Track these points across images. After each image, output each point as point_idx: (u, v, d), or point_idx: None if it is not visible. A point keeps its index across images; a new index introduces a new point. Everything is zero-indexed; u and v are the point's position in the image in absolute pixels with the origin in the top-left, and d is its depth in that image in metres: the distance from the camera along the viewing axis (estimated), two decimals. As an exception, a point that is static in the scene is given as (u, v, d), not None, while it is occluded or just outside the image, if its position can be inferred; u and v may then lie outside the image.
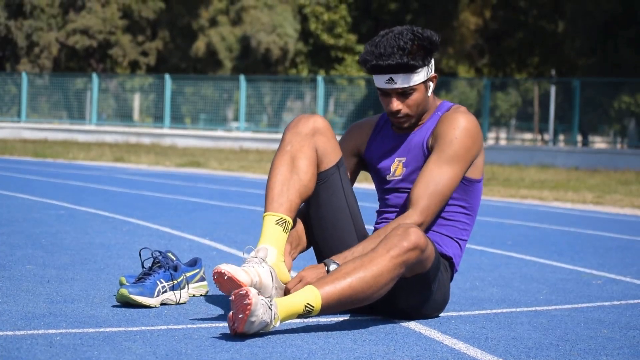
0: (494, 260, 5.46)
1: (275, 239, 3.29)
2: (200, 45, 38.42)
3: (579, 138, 25.35)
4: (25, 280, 3.91)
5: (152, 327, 3.12)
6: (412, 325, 3.36)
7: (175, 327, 3.15)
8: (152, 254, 3.59)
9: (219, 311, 3.48)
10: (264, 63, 38.09)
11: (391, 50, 3.38)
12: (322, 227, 3.50)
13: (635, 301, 4.19)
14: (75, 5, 37.62)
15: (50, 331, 2.96)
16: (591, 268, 5.26)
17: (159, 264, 3.57)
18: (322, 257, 3.53)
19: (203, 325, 3.19)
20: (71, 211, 7.26)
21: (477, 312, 3.71)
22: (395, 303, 3.38)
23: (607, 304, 4.06)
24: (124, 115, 29.65)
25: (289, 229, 3.33)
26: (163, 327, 3.13)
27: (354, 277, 3.11)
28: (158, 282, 3.50)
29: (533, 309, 3.85)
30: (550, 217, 9.04)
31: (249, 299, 2.90)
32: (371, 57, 3.42)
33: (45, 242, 5.20)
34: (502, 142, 29.37)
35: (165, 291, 3.52)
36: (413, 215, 3.37)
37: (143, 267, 3.60)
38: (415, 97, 3.47)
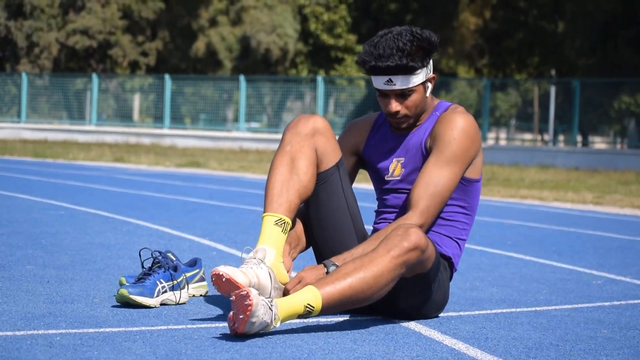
0: (494, 261, 5.46)
1: (274, 239, 3.29)
2: (200, 46, 38.42)
3: (579, 138, 25.35)
4: (25, 280, 3.91)
5: (152, 328, 3.12)
6: (412, 325, 3.36)
7: (175, 327, 3.15)
8: (152, 254, 3.59)
9: (218, 311, 3.48)
10: (264, 63, 38.10)
11: (390, 52, 3.38)
12: (322, 227, 3.50)
13: (635, 301, 4.19)
14: (75, 6, 37.62)
15: (50, 331, 2.96)
16: (591, 268, 5.26)
17: (158, 264, 3.57)
18: (321, 257, 3.53)
19: (203, 326, 3.19)
20: (71, 211, 7.26)
21: (477, 312, 3.71)
22: (396, 303, 3.38)
23: (607, 304, 4.06)
24: (123, 116, 29.65)
25: (288, 229, 3.33)
26: (163, 328, 3.13)
27: (355, 277, 3.11)
28: (158, 282, 3.50)
29: (533, 309, 3.85)
30: (550, 217, 9.04)
31: (250, 300, 2.90)
32: (370, 58, 3.41)
33: (45, 243, 5.20)
34: (502, 143, 29.37)
35: (165, 291, 3.52)
36: (413, 217, 3.37)
37: (143, 267, 3.60)
38: (414, 98, 3.47)
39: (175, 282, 3.56)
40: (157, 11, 38.51)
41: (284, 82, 28.80)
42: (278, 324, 3.00)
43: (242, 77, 26.82)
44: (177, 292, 3.56)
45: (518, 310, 3.81)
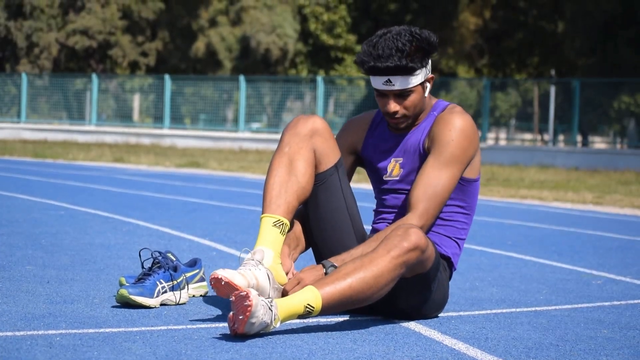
0: (494, 261, 5.46)
1: (272, 241, 3.28)
2: (200, 46, 38.43)
3: (579, 138, 25.34)
4: (25, 280, 3.91)
5: (152, 328, 3.12)
6: (412, 325, 3.36)
7: (175, 327, 3.15)
8: (151, 255, 3.59)
9: (218, 311, 3.48)
10: (264, 63, 38.10)
11: (389, 52, 3.37)
12: (321, 227, 3.49)
13: (635, 301, 4.19)
14: (75, 6, 37.62)
15: (50, 332, 2.96)
16: (591, 268, 5.26)
17: (158, 265, 3.57)
18: (321, 257, 3.53)
19: (203, 326, 3.19)
20: (71, 211, 7.26)
21: (477, 312, 3.71)
22: (396, 303, 3.38)
23: (607, 304, 4.06)
24: (123, 116, 29.65)
25: (287, 231, 3.33)
26: (163, 328, 3.13)
27: (354, 277, 3.11)
28: (158, 282, 3.50)
29: (533, 309, 3.85)
30: (550, 217, 9.04)
31: (250, 301, 2.90)
32: (369, 58, 3.40)
33: (45, 243, 5.20)
34: (502, 143, 29.37)
35: (165, 291, 3.52)
36: (412, 219, 3.36)
37: (143, 267, 3.59)
38: (412, 98, 3.46)
39: (175, 282, 3.56)
40: (157, 11, 38.51)
41: (284, 82, 28.81)
42: (278, 325, 3.00)
43: (242, 77, 26.83)
44: (177, 293, 3.56)
45: (518, 310, 3.81)
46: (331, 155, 3.48)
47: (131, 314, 3.32)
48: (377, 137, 3.65)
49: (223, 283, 3.10)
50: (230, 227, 6.76)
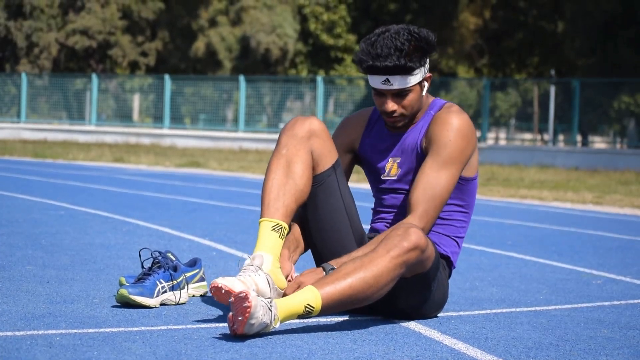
0: (494, 260, 5.46)
1: (271, 245, 3.27)
2: (199, 46, 38.42)
3: (579, 138, 25.34)
4: (25, 280, 3.91)
5: (152, 328, 3.12)
6: (412, 325, 3.36)
7: (175, 327, 3.15)
8: (151, 254, 3.59)
9: (218, 311, 3.48)
10: (264, 63, 38.10)
11: (388, 51, 3.36)
12: (320, 228, 3.49)
13: (635, 301, 4.19)
14: (74, 6, 37.62)
15: (50, 332, 2.96)
16: (591, 268, 5.26)
17: (158, 264, 3.57)
18: (320, 258, 3.53)
19: (203, 326, 3.19)
20: (71, 211, 7.26)
21: (476, 312, 3.71)
22: (395, 303, 3.38)
23: (607, 304, 4.06)
24: (123, 116, 29.65)
25: (285, 234, 3.32)
26: (163, 328, 3.13)
27: (354, 277, 3.11)
28: (158, 282, 3.50)
29: (533, 309, 3.85)
30: (550, 217, 9.04)
31: (249, 302, 2.90)
32: (367, 57, 3.39)
33: (45, 243, 5.20)
34: (502, 142, 29.37)
35: (165, 291, 3.52)
36: (412, 222, 3.36)
37: (143, 267, 3.59)
38: (410, 97, 3.45)
39: (175, 282, 3.56)
40: (157, 11, 38.51)
41: (284, 82, 28.80)
42: (277, 325, 3.00)
43: (241, 77, 26.82)
44: (177, 292, 3.56)
45: (518, 310, 3.81)
46: (329, 157, 3.47)
47: (131, 314, 3.32)
48: (375, 136, 3.64)
49: (223, 291, 3.11)
50: (230, 227, 6.76)
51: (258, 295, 3.11)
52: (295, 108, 28.34)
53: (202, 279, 3.78)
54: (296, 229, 3.54)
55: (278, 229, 3.29)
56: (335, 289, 3.09)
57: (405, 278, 3.27)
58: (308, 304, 3.04)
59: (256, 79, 28.33)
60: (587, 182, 14.99)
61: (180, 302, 3.57)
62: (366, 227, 3.65)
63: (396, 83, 3.40)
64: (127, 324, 3.14)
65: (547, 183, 14.45)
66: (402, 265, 3.18)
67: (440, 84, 28.58)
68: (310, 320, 3.33)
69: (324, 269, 3.31)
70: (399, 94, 3.44)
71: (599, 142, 27.75)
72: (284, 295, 3.26)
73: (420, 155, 3.51)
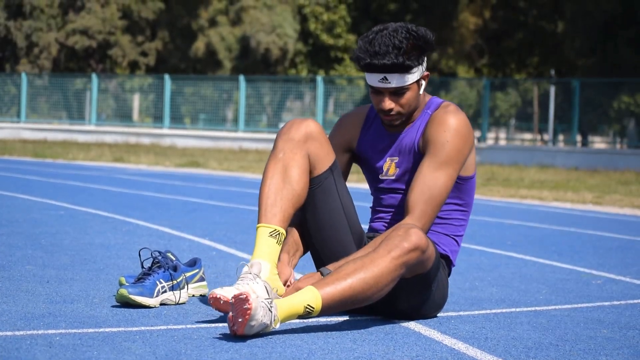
0: (494, 260, 5.46)
1: (268, 252, 3.26)
2: (199, 46, 38.43)
3: (579, 138, 25.34)
4: (25, 280, 3.91)
5: (152, 328, 3.12)
6: (412, 325, 3.36)
7: (175, 327, 3.15)
8: (151, 254, 3.59)
9: (218, 311, 3.47)
10: (264, 63, 38.10)
11: (386, 49, 3.35)
12: (318, 229, 3.48)
13: (635, 301, 4.19)
14: (74, 6, 37.62)
15: (50, 331, 2.96)
16: (591, 268, 5.26)
17: (158, 264, 3.57)
18: (319, 259, 3.52)
19: (202, 326, 3.19)
20: (71, 211, 7.26)
21: (476, 312, 3.71)
22: (396, 304, 3.38)
23: (606, 304, 4.06)
24: (123, 116, 29.65)
25: (282, 240, 3.30)
26: (162, 328, 3.13)
27: (355, 278, 3.11)
28: (157, 282, 3.50)
29: (533, 309, 3.85)
30: (549, 217, 9.04)
31: (249, 304, 2.90)
32: (365, 55, 3.38)
33: (45, 243, 5.20)
34: (502, 142, 29.37)
35: (165, 291, 3.52)
36: (411, 223, 3.35)
37: (142, 267, 3.59)
38: (408, 96, 3.44)
39: (175, 282, 3.56)
40: (157, 11, 38.51)
41: (284, 82, 28.80)
42: (277, 326, 3.00)
43: (241, 77, 26.82)
44: (176, 292, 3.56)
45: (518, 310, 3.81)
46: (325, 159, 3.45)
47: (131, 314, 3.32)
48: (372, 135, 3.63)
49: (222, 302, 3.12)
50: (230, 227, 6.76)
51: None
52: (295, 108, 28.34)
53: (202, 279, 3.78)
54: (295, 232, 3.53)
55: (275, 235, 3.28)
56: (336, 289, 3.08)
57: (405, 279, 3.27)
58: (308, 305, 3.04)
59: (256, 79, 28.33)
60: (587, 182, 14.99)
61: (180, 302, 3.57)
62: (365, 226, 3.65)
63: (394, 81, 3.39)
64: (127, 324, 3.14)
65: (547, 183, 14.45)
66: (402, 266, 3.17)
67: (440, 84, 28.58)
68: (310, 320, 3.33)
69: (322, 274, 3.31)
70: (397, 92, 3.43)
71: (598, 142, 27.75)
72: None
73: (418, 155, 3.51)
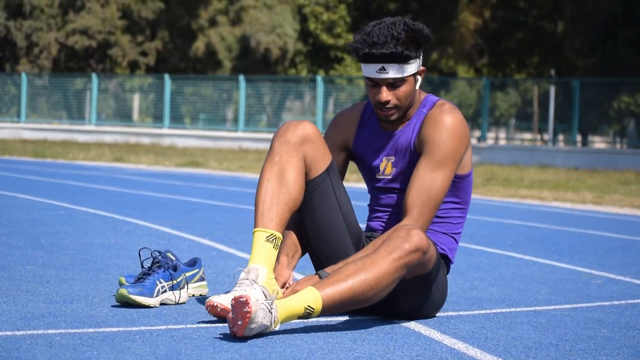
0: (494, 260, 5.46)
1: (265, 256, 3.25)
2: (199, 46, 38.42)
3: (579, 138, 25.34)
4: (25, 280, 3.91)
5: (152, 327, 3.12)
6: (412, 325, 3.36)
7: (175, 327, 3.15)
8: (151, 254, 3.59)
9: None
10: (264, 63, 38.10)
11: (385, 40, 3.35)
12: (316, 231, 3.47)
13: (635, 301, 4.19)
14: (74, 6, 37.62)
15: (50, 331, 2.96)
16: (591, 268, 5.26)
17: (158, 264, 3.57)
18: (317, 260, 3.52)
19: (202, 325, 3.19)
20: (71, 211, 7.26)
21: (476, 311, 3.71)
22: (396, 305, 3.37)
23: (606, 303, 4.06)
24: (123, 116, 29.65)
25: (279, 244, 3.29)
26: (162, 327, 3.13)
27: (355, 279, 3.10)
28: (157, 282, 3.50)
29: (533, 308, 3.85)
30: (549, 217, 9.04)
31: (249, 307, 2.89)
32: (363, 45, 3.38)
33: (45, 243, 5.20)
34: (502, 142, 29.37)
35: (165, 291, 3.52)
36: (411, 224, 3.34)
37: (142, 267, 3.59)
38: (404, 88, 3.43)
39: (174, 281, 3.56)
40: (157, 11, 38.51)
41: (284, 82, 28.80)
42: (277, 327, 3.00)
43: (241, 77, 26.82)
44: (176, 292, 3.56)
45: (518, 310, 3.81)
46: (322, 161, 3.44)
47: (131, 314, 3.32)
48: (368, 133, 3.61)
49: (219, 310, 3.12)
50: (230, 226, 6.76)
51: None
52: (295, 108, 28.34)
53: (201, 279, 3.78)
54: (293, 234, 3.53)
55: (272, 240, 3.27)
56: (336, 290, 3.08)
57: (406, 280, 3.26)
58: (308, 306, 3.04)
59: (256, 79, 28.32)
60: (587, 182, 14.99)
61: (180, 302, 3.57)
62: (362, 225, 3.65)
63: (392, 72, 3.38)
64: (127, 324, 3.14)
65: (547, 183, 14.45)
66: (403, 267, 3.17)
67: (440, 83, 28.57)
68: (310, 320, 3.33)
69: (320, 277, 3.30)
70: (394, 85, 3.42)
71: (598, 142, 27.75)
72: None
73: (414, 155, 3.50)
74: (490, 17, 37.83)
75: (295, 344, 2.95)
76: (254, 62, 37.92)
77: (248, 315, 2.89)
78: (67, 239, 5.45)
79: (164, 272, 3.54)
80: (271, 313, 2.95)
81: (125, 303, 3.43)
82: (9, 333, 2.91)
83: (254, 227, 3.30)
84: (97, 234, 5.76)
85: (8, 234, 5.55)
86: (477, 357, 2.90)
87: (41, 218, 6.61)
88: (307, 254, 3.63)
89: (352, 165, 3.84)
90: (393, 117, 3.49)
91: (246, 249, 5.34)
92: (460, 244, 5.95)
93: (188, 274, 3.68)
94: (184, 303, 3.58)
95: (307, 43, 38.57)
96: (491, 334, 3.27)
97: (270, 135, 25.91)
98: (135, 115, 30.52)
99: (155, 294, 3.47)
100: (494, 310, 3.76)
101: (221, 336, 3.00)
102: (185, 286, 3.62)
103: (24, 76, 29.05)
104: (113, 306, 3.43)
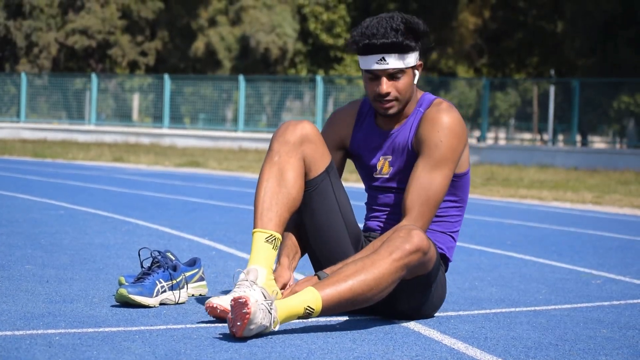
0: (493, 260, 5.46)
1: (264, 257, 3.24)
2: (199, 45, 38.42)
3: (578, 138, 25.34)
4: (25, 280, 3.91)
5: (151, 327, 3.12)
6: (411, 325, 3.36)
7: (175, 326, 3.15)
8: (151, 254, 3.59)
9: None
10: (263, 63, 38.10)
11: (384, 30, 3.36)
12: (316, 231, 3.47)
13: (635, 301, 4.19)
14: (74, 6, 37.62)
15: (50, 331, 2.96)
16: (590, 268, 5.26)
17: (158, 264, 3.57)
18: (316, 261, 3.52)
19: (202, 325, 3.19)
20: (70, 211, 7.26)
21: (476, 311, 3.71)
22: (396, 305, 3.37)
23: (606, 303, 4.06)
24: (123, 115, 29.65)
25: (278, 245, 3.28)
26: (162, 327, 3.13)
27: (355, 279, 3.10)
28: (157, 282, 3.50)
29: (532, 308, 3.85)
30: (549, 217, 9.04)
31: (248, 308, 2.89)
32: (363, 37, 3.38)
33: (45, 242, 5.20)
34: (501, 142, 29.37)
35: (165, 291, 3.52)
36: (411, 225, 3.34)
37: (142, 267, 3.59)
38: (404, 80, 3.42)
39: (174, 281, 3.56)
40: (157, 11, 38.51)
41: (283, 82, 28.80)
42: (277, 327, 2.99)
43: (241, 77, 26.82)
44: (176, 292, 3.56)
45: (517, 309, 3.81)
46: (321, 161, 3.44)
47: (130, 314, 3.32)
48: (365, 132, 3.60)
49: (219, 311, 3.13)
50: (229, 226, 6.76)
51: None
52: (295, 108, 28.34)
53: (201, 279, 3.78)
54: (293, 234, 3.53)
55: (271, 240, 3.27)
56: (336, 290, 3.08)
57: (406, 280, 3.26)
58: (308, 306, 3.04)
59: (256, 79, 28.32)
60: (587, 182, 14.99)
61: (179, 302, 3.57)
62: (361, 225, 3.65)
63: (392, 62, 3.38)
64: (127, 324, 3.14)
65: (547, 183, 14.45)
66: (403, 268, 3.17)
67: (440, 83, 28.57)
68: (309, 320, 3.33)
69: (319, 278, 3.30)
70: (394, 76, 3.41)
71: (598, 142, 27.75)
72: None
73: (412, 154, 3.49)
74: (490, 17, 37.83)
75: (294, 343, 2.95)
76: (253, 62, 37.92)
77: (247, 316, 2.89)
78: (67, 238, 5.45)
79: (163, 272, 3.54)
80: (270, 314, 2.95)
81: (125, 303, 3.43)
82: (8, 333, 2.91)
83: (254, 228, 3.30)
84: (96, 234, 5.76)
85: (8, 233, 5.55)
86: (476, 357, 2.90)
87: (41, 218, 6.61)
88: (305, 255, 3.63)
89: (351, 165, 3.83)
90: (392, 111, 3.47)
91: (246, 249, 5.34)
92: (460, 244, 5.96)
93: (188, 274, 3.68)
94: (183, 303, 3.58)
95: (306, 43, 38.57)
96: (491, 333, 3.27)
97: (270, 135, 25.86)
98: (135, 115, 30.52)
99: (154, 294, 3.47)
100: (493, 310, 3.76)
101: (221, 336, 3.00)
102: (185, 286, 3.62)
103: (23, 76, 29.05)
104: (113, 306, 3.43)
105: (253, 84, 27.62)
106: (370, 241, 3.53)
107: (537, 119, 26.63)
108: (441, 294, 3.48)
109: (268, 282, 3.22)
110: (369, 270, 3.12)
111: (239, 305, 2.91)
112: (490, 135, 28.90)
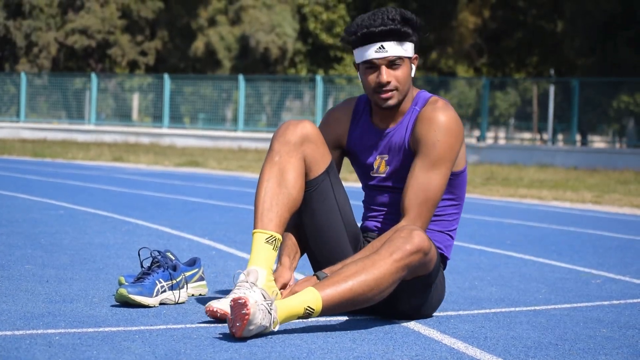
0: (493, 260, 5.46)
1: (264, 258, 3.24)
2: (199, 45, 38.42)
3: (578, 137, 25.34)
4: (24, 280, 3.91)
5: (151, 327, 3.12)
6: (411, 324, 3.36)
7: (174, 326, 3.15)
8: (151, 254, 3.59)
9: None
10: (263, 63, 38.09)
11: (381, 20, 3.37)
12: (315, 231, 3.46)
13: (634, 300, 4.19)
14: (74, 5, 37.61)
15: (49, 331, 2.96)
16: (590, 267, 5.26)
17: (158, 264, 3.57)
18: (315, 261, 3.52)
19: (202, 325, 3.19)
20: (70, 211, 7.26)
21: (476, 311, 3.71)
22: (397, 305, 3.37)
23: (606, 303, 4.06)
24: (122, 115, 29.65)
25: (279, 245, 3.28)
26: (162, 327, 3.13)
27: (355, 280, 3.10)
28: (157, 281, 3.50)
29: (532, 308, 3.85)
30: (549, 217, 9.05)
31: (247, 309, 2.89)
32: (360, 28, 3.39)
33: (45, 242, 5.20)
34: (501, 142, 29.37)
35: (164, 291, 3.52)
36: (411, 225, 3.33)
37: (142, 266, 3.59)
38: (403, 70, 3.42)
39: (174, 281, 3.56)
40: (156, 11, 38.51)
41: (283, 82, 28.80)
42: (277, 327, 2.99)
43: (241, 77, 26.82)
44: (176, 292, 3.56)
45: (517, 309, 3.81)
46: (321, 161, 3.43)
47: (130, 313, 3.32)
48: (361, 130, 3.59)
49: (219, 315, 3.13)
50: (229, 226, 6.76)
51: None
52: (295, 107, 28.34)
53: (201, 279, 3.78)
54: (293, 234, 3.53)
55: (272, 241, 3.26)
56: (336, 291, 3.08)
57: (406, 280, 3.26)
58: (308, 306, 3.04)
59: (255, 79, 28.32)
60: (587, 182, 14.99)
61: (179, 302, 3.57)
62: (359, 223, 3.65)
63: (390, 50, 3.38)
64: (127, 324, 3.14)
65: (547, 182, 14.45)
66: (404, 268, 3.17)
67: (440, 83, 28.57)
68: (309, 320, 3.33)
69: (318, 278, 3.30)
70: (392, 65, 3.41)
71: (598, 142, 27.76)
72: None
73: (409, 153, 3.48)
74: (490, 16, 37.83)
75: (294, 343, 2.96)
76: (253, 62, 37.92)
77: (246, 317, 2.89)
78: (67, 238, 5.45)
79: (163, 271, 3.54)
80: (270, 314, 2.95)
81: (125, 303, 3.43)
82: (8, 333, 2.91)
83: (254, 228, 3.30)
84: (96, 234, 5.76)
85: (8, 233, 5.55)
86: (476, 357, 2.90)
87: (41, 218, 6.61)
88: (305, 255, 3.63)
89: (350, 165, 3.83)
90: (392, 102, 3.46)
91: (246, 249, 5.34)
92: (460, 243, 5.96)
93: (187, 274, 3.69)
94: (183, 303, 3.58)
95: (306, 43, 38.57)
96: (490, 333, 3.27)
97: (270, 135, 25.91)
98: (135, 114, 30.52)
99: (154, 294, 3.47)
100: (493, 310, 3.76)
101: (221, 336, 3.00)
102: (185, 286, 3.62)
103: (23, 76, 29.05)
104: (112, 306, 3.43)
105: (253, 83, 27.62)
106: (368, 242, 3.53)
107: (537, 118, 26.64)
108: (441, 294, 3.48)
109: (268, 283, 3.21)
110: (369, 270, 3.11)
111: (239, 306, 2.91)
112: (490, 134, 28.90)
